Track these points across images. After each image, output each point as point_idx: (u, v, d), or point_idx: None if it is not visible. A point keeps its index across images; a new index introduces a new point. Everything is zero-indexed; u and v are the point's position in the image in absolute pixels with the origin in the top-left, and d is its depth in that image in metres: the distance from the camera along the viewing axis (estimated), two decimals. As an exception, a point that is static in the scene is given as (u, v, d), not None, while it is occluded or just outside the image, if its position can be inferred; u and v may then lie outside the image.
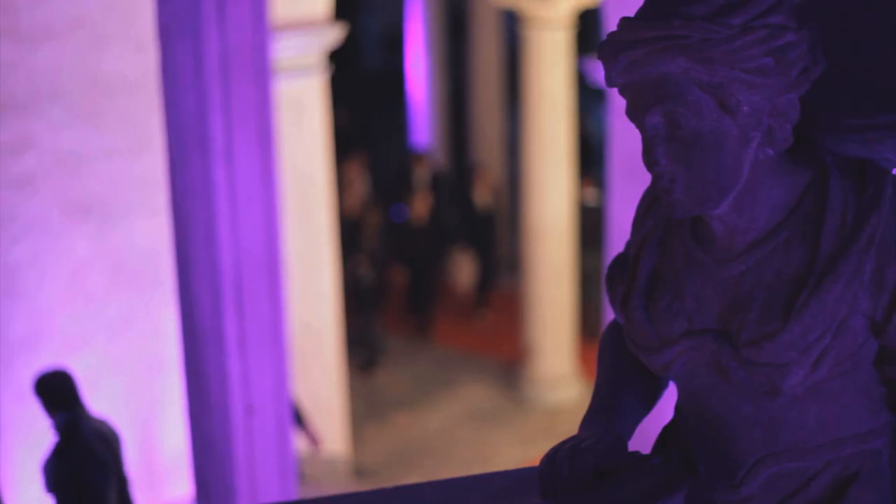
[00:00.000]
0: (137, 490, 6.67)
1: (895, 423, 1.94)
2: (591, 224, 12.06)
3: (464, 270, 13.49)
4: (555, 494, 2.00)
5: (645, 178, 1.91)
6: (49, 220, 7.57)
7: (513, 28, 13.59)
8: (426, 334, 12.63)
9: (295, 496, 6.13)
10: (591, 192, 12.74)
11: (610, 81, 1.86)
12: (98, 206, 7.76)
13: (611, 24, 5.15)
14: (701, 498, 1.96)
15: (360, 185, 13.52)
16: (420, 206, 12.84)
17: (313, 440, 8.53)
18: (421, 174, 13.75)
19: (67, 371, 5.89)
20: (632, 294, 1.99)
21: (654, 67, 1.79)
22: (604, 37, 1.85)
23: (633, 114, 1.85)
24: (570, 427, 8.93)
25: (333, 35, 9.28)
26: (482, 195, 13.16)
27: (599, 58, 1.85)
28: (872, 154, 1.88)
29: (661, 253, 2.00)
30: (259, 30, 5.53)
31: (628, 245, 2.06)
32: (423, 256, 12.82)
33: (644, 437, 2.18)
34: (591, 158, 14.05)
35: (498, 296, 13.32)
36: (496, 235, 13.51)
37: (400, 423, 11.09)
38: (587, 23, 12.91)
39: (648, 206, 2.03)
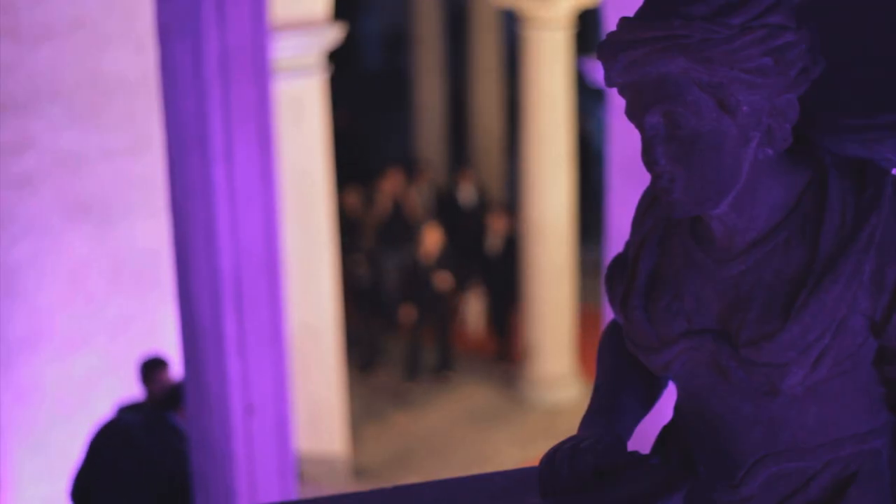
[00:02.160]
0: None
1: (895, 423, 1.95)
2: None
3: (475, 312, 12.56)
4: (554, 494, 2.00)
5: (644, 178, 1.91)
6: (49, 220, 7.57)
7: (513, 28, 13.58)
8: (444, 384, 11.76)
9: (295, 496, 6.13)
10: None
11: (609, 81, 1.86)
12: (98, 206, 7.76)
13: (610, 24, 5.15)
14: (701, 498, 1.96)
15: (414, 201, 12.64)
16: (430, 242, 11.42)
17: None
18: (466, 191, 13.04)
19: (155, 358, 6.38)
20: (631, 294, 1.99)
21: (653, 67, 1.79)
22: (603, 37, 1.85)
23: (633, 114, 1.85)
24: (569, 427, 8.92)
25: (333, 35, 9.28)
26: (497, 237, 11.95)
27: (599, 58, 1.85)
28: (872, 154, 1.88)
29: (661, 253, 2.00)
30: (259, 30, 5.52)
31: (628, 245, 2.06)
32: (437, 301, 11.41)
33: (644, 437, 2.18)
34: (590, 158, 14.05)
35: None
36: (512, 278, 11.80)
37: (400, 423, 11.08)
38: (587, 23, 12.90)
39: (648, 205, 2.03)
